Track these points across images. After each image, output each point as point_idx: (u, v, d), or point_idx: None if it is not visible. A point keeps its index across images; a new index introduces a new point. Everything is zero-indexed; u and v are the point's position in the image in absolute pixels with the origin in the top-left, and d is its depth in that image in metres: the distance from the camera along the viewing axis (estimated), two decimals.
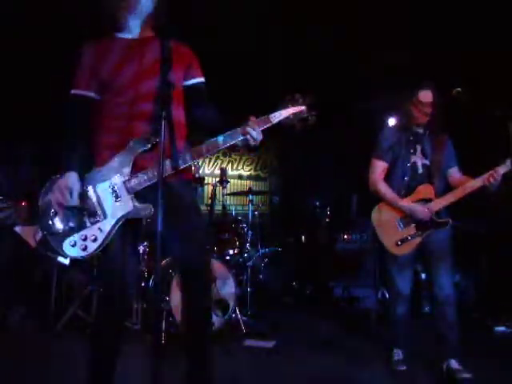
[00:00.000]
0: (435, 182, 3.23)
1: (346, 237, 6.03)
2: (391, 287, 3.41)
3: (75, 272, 4.59)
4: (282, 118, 2.21)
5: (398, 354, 3.37)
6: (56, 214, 2.18)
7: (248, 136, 2.16)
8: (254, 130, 2.15)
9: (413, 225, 3.22)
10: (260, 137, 2.18)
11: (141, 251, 4.39)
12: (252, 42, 5.44)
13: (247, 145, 2.20)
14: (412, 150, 3.31)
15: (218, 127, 2.25)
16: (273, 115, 2.20)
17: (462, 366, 3.05)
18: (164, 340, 3.68)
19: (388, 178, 3.36)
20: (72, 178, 2.17)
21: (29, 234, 4.41)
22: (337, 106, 6.61)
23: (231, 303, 4.21)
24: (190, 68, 2.41)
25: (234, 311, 4.25)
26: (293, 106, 2.22)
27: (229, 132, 2.19)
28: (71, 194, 2.15)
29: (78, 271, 4.58)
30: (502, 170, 3.01)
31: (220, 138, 2.19)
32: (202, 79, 2.46)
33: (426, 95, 3.20)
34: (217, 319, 4.13)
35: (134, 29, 2.33)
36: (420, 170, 3.29)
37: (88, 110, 2.29)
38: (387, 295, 4.98)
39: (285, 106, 2.22)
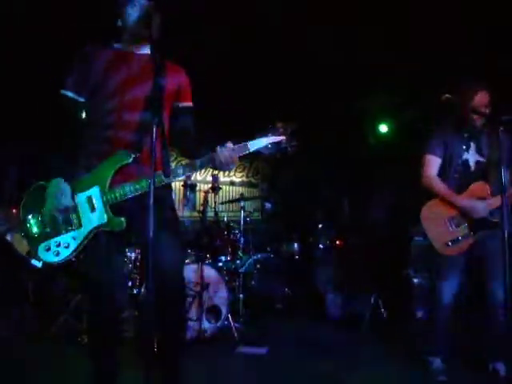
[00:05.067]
0: (491, 180, 3.11)
1: (338, 242, 6.04)
2: (436, 289, 3.22)
3: (66, 279, 4.57)
4: (260, 146, 2.20)
5: (436, 363, 3.22)
6: (34, 218, 2.24)
7: (223, 163, 2.16)
8: (228, 159, 2.14)
9: (465, 225, 3.09)
10: (235, 164, 2.18)
11: (133, 258, 4.38)
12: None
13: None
14: (465, 147, 3.20)
15: (192, 141, 2.33)
16: (251, 143, 2.19)
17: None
18: (156, 347, 3.66)
19: (438, 175, 3.25)
20: (61, 182, 2.20)
21: (20, 241, 4.38)
22: (328, 109, 6.65)
23: (224, 310, 4.21)
24: (181, 91, 2.43)
25: (227, 318, 4.24)
26: (273, 134, 2.20)
27: (205, 157, 2.19)
28: (63, 195, 2.19)
29: (69, 278, 4.57)
30: None
31: (197, 162, 2.22)
32: (189, 104, 2.47)
33: (482, 97, 3.08)
34: (209, 326, 4.12)
35: (124, 42, 2.36)
36: (472, 168, 3.18)
37: (76, 114, 2.33)
38: (379, 301, 5.00)
39: (265, 135, 2.20)
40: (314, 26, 5.17)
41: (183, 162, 2.27)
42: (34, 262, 2.22)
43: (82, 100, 2.31)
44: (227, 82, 5.81)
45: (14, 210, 4.63)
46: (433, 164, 3.25)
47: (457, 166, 3.20)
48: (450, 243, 3.08)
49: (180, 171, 2.22)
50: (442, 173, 3.24)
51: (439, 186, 3.19)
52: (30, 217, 2.25)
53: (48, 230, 2.23)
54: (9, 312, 4.41)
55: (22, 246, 4.34)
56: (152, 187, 1.87)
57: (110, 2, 2.33)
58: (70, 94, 2.31)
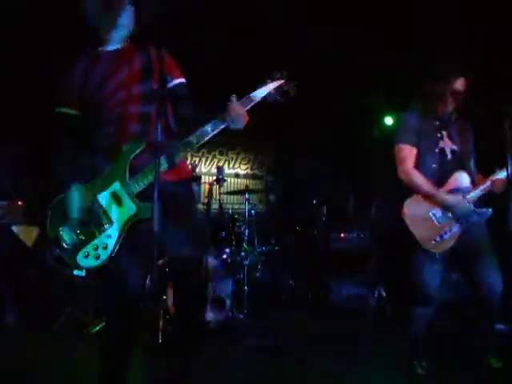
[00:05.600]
0: (467, 169, 2.98)
1: (343, 235, 6.03)
2: (417, 287, 2.98)
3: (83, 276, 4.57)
4: (263, 94, 2.26)
5: (420, 367, 2.95)
6: (64, 229, 2.23)
7: (233, 117, 2.18)
8: (237, 111, 2.17)
9: (450, 216, 2.90)
10: (245, 118, 2.20)
11: None
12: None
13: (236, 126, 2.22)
14: (439, 135, 3.00)
15: (198, 123, 2.29)
16: (254, 94, 2.25)
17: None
18: (161, 339, 3.67)
19: (415, 166, 3.00)
20: (74, 194, 2.21)
21: (25, 233, 4.39)
22: (333, 103, 6.62)
23: (228, 302, 4.21)
24: (170, 71, 2.42)
25: (231, 310, 4.24)
26: (272, 81, 2.27)
27: (215, 119, 2.21)
28: (75, 207, 2.20)
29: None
30: (500, 178, 2.84)
31: (208, 127, 2.22)
32: (182, 80, 2.47)
33: (462, 83, 2.95)
34: (213, 318, 4.13)
35: (116, 41, 2.38)
36: (449, 156, 2.98)
37: (76, 127, 2.34)
38: (384, 294, 4.99)
39: (264, 83, 2.27)
40: (313, 26, 5.17)
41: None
42: (76, 272, 2.23)
43: (78, 112, 2.33)
44: (227, 82, 5.78)
45: (19, 202, 4.64)
46: (409, 155, 2.99)
47: (434, 155, 2.97)
48: (437, 238, 2.89)
49: (194, 140, 2.23)
50: (418, 163, 2.99)
51: (421, 182, 2.93)
52: (60, 230, 2.24)
53: (82, 237, 2.22)
54: (13, 304, 4.42)
55: (28, 237, 4.38)
56: (157, 172, 1.88)
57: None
58: (65, 109, 2.33)
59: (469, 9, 4.69)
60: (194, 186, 5.36)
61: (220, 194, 5.38)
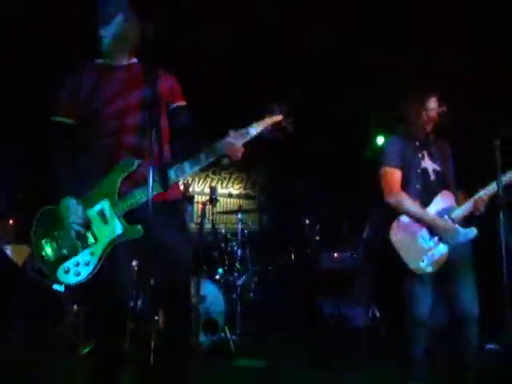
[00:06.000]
0: (450, 189, 3.01)
1: (336, 255, 6.02)
2: (409, 313, 2.95)
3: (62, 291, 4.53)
4: (260, 129, 2.23)
5: None
6: (48, 243, 2.21)
7: (228, 150, 2.18)
8: (233, 144, 2.17)
9: (437, 238, 2.91)
10: (239, 152, 2.20)
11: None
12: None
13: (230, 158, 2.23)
14: (420, 155, 3.04)
15: (194, 135, 2.31)
16: (251, 128, 2.22)
17: None
18: (153, 360, 3.63)
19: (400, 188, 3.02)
20: (70, 201, 2.20)
21: (16, 252, 4.36)
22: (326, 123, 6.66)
23: (220, 322, 4.18)
24: (172, 93, 2.45)
25: (224, 330, 4.21)
26: (270, 116, 2.24)
27: (210, 147, 2.20)
28: (75, 213, 2.18)
29: (65, 290, 4.54)
30: (484, 197, 2.88)
31: (202, 155, 2.21)
32: (183, 102, 2.48)
33: (435, 101, 3.01)
34: (206, 339, 4.09)
35: (111, 55, 2.39)
36: (432, 177, 3.02)
37: (72, 136, 2.34)
38: (377, 313, 4.97)
39: (261, 118, 2.23)
40: (314, 26, 5.18)
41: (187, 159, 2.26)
42: (55, 286, 2.21)
43: (75, 122, 2.33)
44: (227, 82, 5.81)
45: (10, 221, 4.62)
46: (396, 178, 3.01)
47: (417, 175, 3.00)
48: (425, 260, 2.88)
49: (187, 168, 2.23)
50: (403, 185, 3.00)
51: (409, 203, 2.93)
52: (43, 242, 2.22)
53: (65, 251, 2.20)
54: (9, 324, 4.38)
55: (19, 257, 4.35)
56: (151, 196, 1.88)
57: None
58: (62, 118, 2.33)
59: (469, 9, 4.72)
60: (187, 206, 5.37)
61: (213, 213, 5.38)
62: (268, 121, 2.23)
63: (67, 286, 2.23)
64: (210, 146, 2.20)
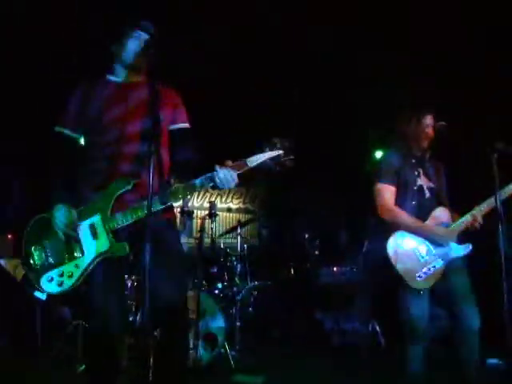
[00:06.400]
0: (445, 206, 3.06)
1: (335, 269, 6.00)
2: (406, 327, 2.96)
3: (60, 306, 4.52)
4: (258, 162, 2.21)
5: None
6: (37, 250, 2.24)
7: (223, 180, 2.16)
8: (225, 175, 2.15)
9: (434, 253, 2.95)
10: (235, 181, 2.18)
11: (129, 285, 4.34)
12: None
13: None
14: (416, 173, 3.09)
15: (194, 170, 2.28)
16: (250, 159, 2.20)
17: None
18: (151, 376, 3.60)
19: (394, 204, 3.06)
20: (65, 211, 2.21)
21: (15, 267, 4.35)
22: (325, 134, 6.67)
23: (220, 338, 4.15)
24: (176, 113, 2.46)
25: (223, 346, 4.18)
26: (270, 150, 2.22)
27: (206, 175, 2.19)
28: (66, 225, 2.19)
29: (63, 305, 4.52)
30: (481, 213, 2.94)
31: (197, 181, 2.21)
32: (186, 125, 2.49)
33: (430, 119, 3.06)
34: (205, 354, 4.06)
35: (120, 73, 2.40)
36: (427, 194, 3.06)
37: (73, 150, 2.36)
38: (377, 328, 4.94)
39: (262, 150, 2.22)
40: (313, 26, 5.21)
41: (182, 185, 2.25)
42: (37, 294, 2.23)
43: (78, 136, 2.36)
44: (227, 81, 5.83)
45: (8, 236, 4.61)
46: (389, 194, 3.05)
47: (413, 192, 3.04)
48: (422, 275, 2.90)
49: (179, 191, 2.22)
50: (397, 201, 3.05)
51: (405, 217, 2.98)
52: (32, 250, 2.26)
53: (51, 260, 2.24)
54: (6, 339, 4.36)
55: (16, 272, 4.33)
56: (150, 213, 1.88)
57: (106, 28, 2.38)
58: (65, 130, 2.35)
59: (469, 9, 4.74)
60: (187, 221, 5.36)
61: (212, 228, 5.37)
62: (267, 155, 2.21)
63: (49, 295, 2.23)
64: (207, 174, 2.20)
